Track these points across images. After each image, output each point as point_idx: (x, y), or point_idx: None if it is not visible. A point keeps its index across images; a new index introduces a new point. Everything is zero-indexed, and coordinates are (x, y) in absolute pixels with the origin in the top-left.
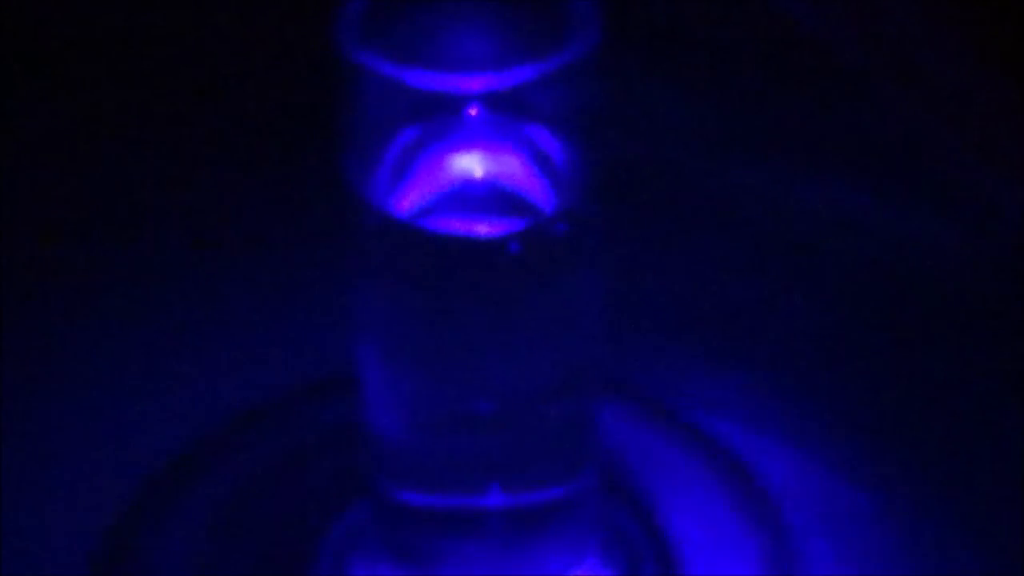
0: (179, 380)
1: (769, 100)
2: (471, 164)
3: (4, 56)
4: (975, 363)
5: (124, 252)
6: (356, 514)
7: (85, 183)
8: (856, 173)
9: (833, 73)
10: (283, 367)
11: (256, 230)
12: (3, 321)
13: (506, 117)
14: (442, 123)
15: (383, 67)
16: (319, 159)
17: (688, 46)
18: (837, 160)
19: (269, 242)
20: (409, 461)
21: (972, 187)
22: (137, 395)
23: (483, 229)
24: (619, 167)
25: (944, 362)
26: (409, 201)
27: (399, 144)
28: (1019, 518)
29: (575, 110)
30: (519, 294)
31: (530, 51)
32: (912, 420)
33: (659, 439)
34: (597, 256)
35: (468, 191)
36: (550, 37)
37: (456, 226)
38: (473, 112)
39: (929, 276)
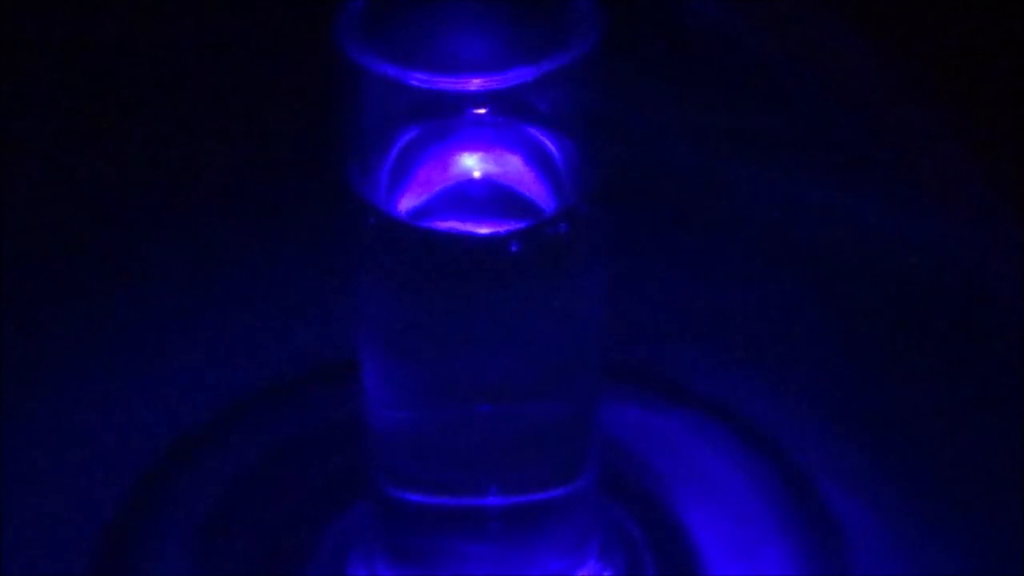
0: (176, 372)
1: (766, 102)
2: (471, 164)
3: (5, 57)
4: (971, 360)
5: (124, 249)
6: (356, 513)
7: (86, 180)
8: (851, 174)
9: (827, 77)
10: (281, 359)
11: (256, 229)
12: (5, 313)
13: (506, 117)
14: (442, 123)
15: (383, 67)
16: (319, 159)
17: (686, 47)
18: (833, 162)
19: (268, 241)
20: (409, 461)
21: (966, 189)
22: (135, 389)
23: (483, 229)
24: (619, 167)
25: (939, 358)
26: (409, 201)
27: (399, 144)
28: (1019, 517)
29: (575, 110)
30: (519, 294)
31: (530, 51)
32: (911, 418)
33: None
34: (597, 256)
35: (468, 191)
36: (550, 37)
37: (456, 226)
38: (479, 112)
39: (922, 273)
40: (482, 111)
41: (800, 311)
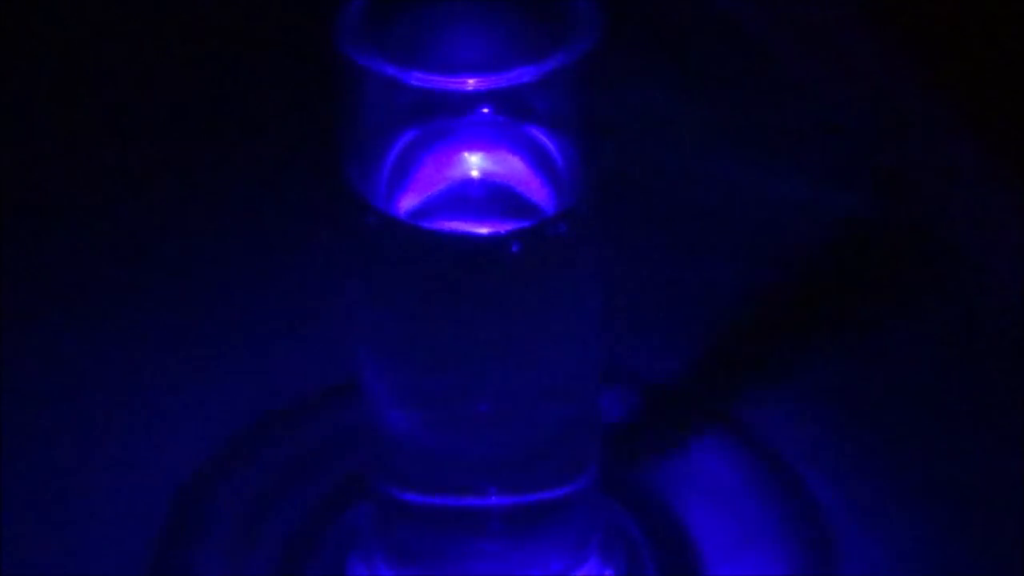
0: (189, 386)
1: (767, 101)
2: (471, 164)
3: (5, 55)
4: (929, 336)
5: (120, 252)
6: (356, 514)
7: (85, 186)
8: (853, 174)
9: (828, 74)
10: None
11: (255, 229)
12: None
13: (506, 117)
14: (442, 123)
15: (383, 67)
16: (319, 159)
17: (683, 47)
18: (833, 160)
19: (268, 241)
20: (410, 461)
21: (970, 184)
22: (158, 401)
23: (483, 229)
24: (619, 167)
25: (905, 341)
26: (409, 201)
27: (399, 144)
28: (1015, 520)
29: (575, 110)
30: (519, 294)
31: (530, 51)
32: (890, 402)
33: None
34: (597, 256)
35: (468, 191)
36: (550, 37)
37: (456, 226)
38: (479, 112)
39: (895, 265)
40: (482, 111)
41: (795, 309)
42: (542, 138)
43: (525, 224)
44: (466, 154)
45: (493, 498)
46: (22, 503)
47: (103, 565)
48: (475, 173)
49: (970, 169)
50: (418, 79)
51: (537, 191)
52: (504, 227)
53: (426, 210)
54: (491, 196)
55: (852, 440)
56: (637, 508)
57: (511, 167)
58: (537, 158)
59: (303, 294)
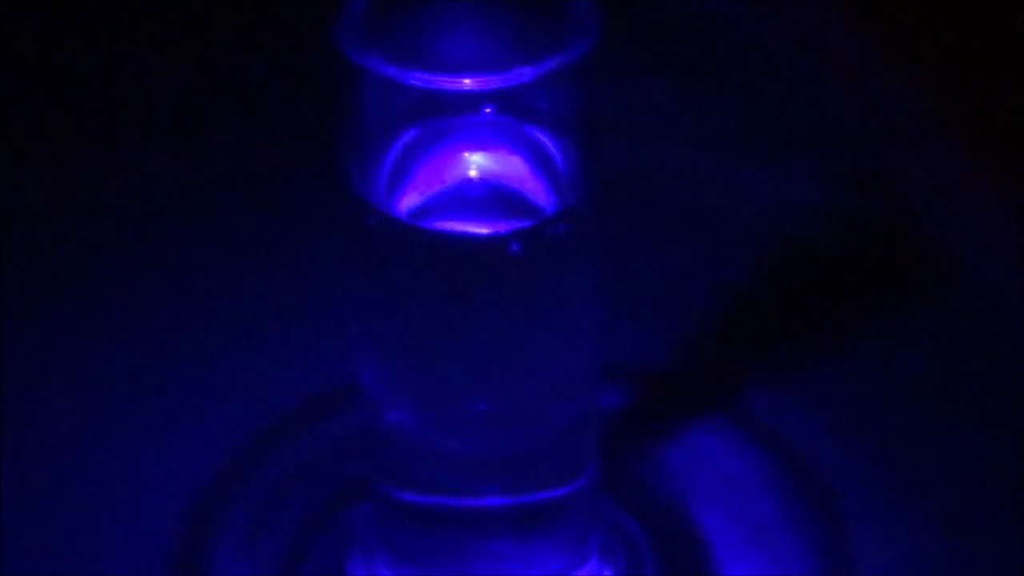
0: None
1: (766, 101)
2: (471, 164)
3: (6, 57)
4: (929, 336)
5: (120, 256)
6: (356, 514)
7: (84, 186)
8: (830, 170)
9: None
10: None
11: (255, 229)
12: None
13: (506, 117)
14: (442, 123)
15: (383, 67)
16: (319, 159)
17: (682, 47)
18: (834, 162)
19: (268, 242)
20: (410, 461)
21: (965, 187)
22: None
23: (483, 229)
24: (619, 167)
25: (905, 340)
26: (409, 201)
27: (399, 144)
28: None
29: (575, 110)
30: (519, 294)
31: (530, 51)
32: (890, 401)
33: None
34: (597, 256)
35: (468, 191)
36: (550, 37)
37: (456, 226)
38: (478, 112)
39: (894, 265)
40: (483, 111)
41: (793, 309)
42: (542, 138)
43: (525, 224)
44: (466, 154)
45: (493, 498)
46: (26, 510)
47: (107, 567)
48: (475, 173)
49: (966, 171)
50: (418, 79)
51: (537, 191)
52: (504, 227)
53: (426, 210)
54: (491, 196)
55: (851, 441)
56: (635, 506)
57: (511, 167)
58: (537, 158)
59: (303, 294)
